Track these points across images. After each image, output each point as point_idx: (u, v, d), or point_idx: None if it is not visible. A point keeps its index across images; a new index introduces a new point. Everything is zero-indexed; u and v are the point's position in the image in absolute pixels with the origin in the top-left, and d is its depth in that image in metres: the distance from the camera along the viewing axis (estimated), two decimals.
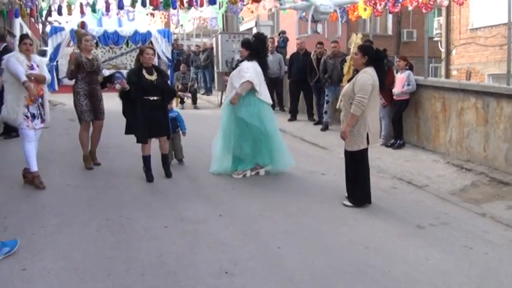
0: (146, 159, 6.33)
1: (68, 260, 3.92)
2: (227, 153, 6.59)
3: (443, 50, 15.99)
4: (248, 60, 6.45)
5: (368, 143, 5.20)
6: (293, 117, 11.63)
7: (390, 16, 21.16)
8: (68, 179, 6.33)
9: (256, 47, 6.54)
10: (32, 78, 5.61)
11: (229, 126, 6.48)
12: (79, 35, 6.76)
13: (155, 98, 6.19)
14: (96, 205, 5.31)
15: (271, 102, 6.79)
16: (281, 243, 4.29)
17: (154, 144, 6.43)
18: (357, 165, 5.29)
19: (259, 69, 6.43)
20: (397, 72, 8.46)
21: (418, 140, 8.42)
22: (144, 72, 6.16)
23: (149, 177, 6.29)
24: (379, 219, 4.95)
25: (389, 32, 22.88)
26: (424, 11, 9.18)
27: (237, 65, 6.73)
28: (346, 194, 5.46)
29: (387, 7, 10.37)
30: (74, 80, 6.67)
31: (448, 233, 4.69)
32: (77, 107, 6.62)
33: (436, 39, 17.72)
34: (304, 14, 11.34)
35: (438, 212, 5.23)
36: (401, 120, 8.43)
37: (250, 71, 6.29)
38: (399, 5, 9.90)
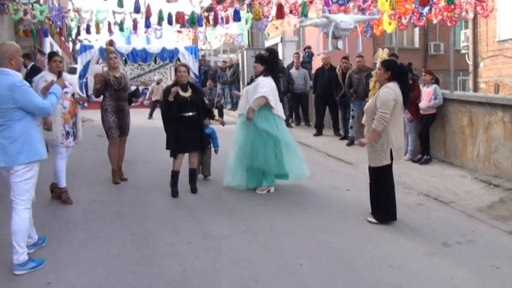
0: (174, 175, 6.42)
1: (92, 274, 3.99)
2: (241, 167, 6.63)
3: (470, 62, 15.75)
4: (264, 76, 6.50)
5: (392, 159, 5.13)
6: (319, 132, 11.60)
7: (417, 29, 20.96)
8: (94, 194, 6.46)
9: (271, 62, 6.63)
10: (73, 99, 5.81)
11: (246, 140, 6.51)
12: (106, 53, 6.96)
13: (190, 114, 6.30)
14: (121, 220, 5.39)
15: (284, 117, 6.82)
16: (303, 260, 4.27)
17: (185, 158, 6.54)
18: (380, 181, 5.24)
19: (274, 85, 6.48)
20: (423, 86, 8.36)
21: (445, 155, 8.28)
22: (178, 89, 6.28)
23: (174, 192, 6.38)
24: (404, 237, 4.87)
25: (417, 45, 22.65)
26: (448, 24, 9.09)
27: (252, 81, 6.76)
28: (371, 211, 5.40)
29: (412, 21, 10.31)
30: (101, 97, 6.83)
31: (475, 251, 4.58)
32: (105, 124, 6.79)
33: (463, 51, 17.47)
34: (325, 30, 11.37)
35: (465, 229, 5.11)
36: (428, 135, 8.31)
37: (266, 86, 6.34)
38: (424, 18, 9.83)
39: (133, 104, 7.13)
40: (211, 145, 7.25)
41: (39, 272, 4.01)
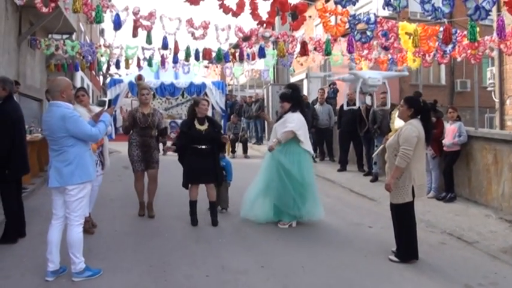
0: (192, 204, 6.61)
1: None
2: (261, 199, 6.65)
3: (497, 100, 15.57)
4: (292, 112, 6.60)
5: (414, 196, 5.08)
6: (343, 168, 11.56)
7: (443, 66, 20.87)
8: (116, 225, 6.54)
9: (296, 97, 6.76)
10: None
11: (269, 174, 6.59)
12: (138, 88, 7.03)
13: (203, 146, 6.45)
14: (141, 251, 5.42)
15: (312, 153, 6.89)
16: None
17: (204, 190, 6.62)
18: (402, 219, 5.17)
19: (303, 119, 6.59)
20: (447, 123, 8.30)
21: (470, 193, 8.14)
22: (195, 122, 6.49)
23: (193, 221, 6.53)
24: (425, 277, 4.77)
25: (443, 82, 22.52)
26: (473, 61, 9.08)
27: (281, 117, 6.85)
28: (394, 249, 5.31)
29: (436, 58, 10.33)
30: None
31: None
32: (129, 157, 6.91)
33: (489, 89, 17.30)
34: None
35: (488, 271, 4.97)
36: (452, 173, 8.21)
37: (295, 121, 6.45)
38: (447, 56, 9.84)
39: (162, 140, 7.16)
40: (225, 178, 7.31)
41: None
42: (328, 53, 11.36)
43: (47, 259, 4.50)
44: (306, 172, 6.52)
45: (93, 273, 4.57)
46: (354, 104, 11.08)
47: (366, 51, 12.76)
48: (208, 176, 6.54)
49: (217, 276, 4.69)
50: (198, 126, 6.49)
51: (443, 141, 8.10)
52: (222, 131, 7.22)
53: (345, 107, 10.83)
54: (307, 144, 6.59)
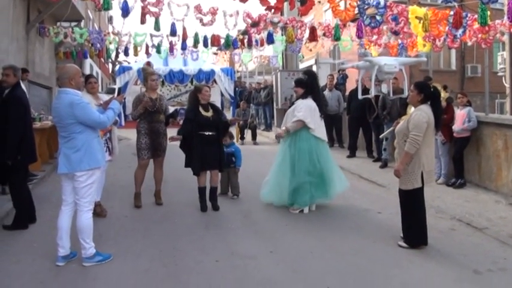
0: (201, 190, 6.65)
1: None
2: (278, 184, 6.66)
3: (507, 85, 15.41)
4: (303, 98, 6.59)
5: (423, 182, 5.06)
6: (352, 154, 11.53)
7: (454, 51, 20.65)
8: (126, 210, 6.59)
9: (310, 84, 6.72)
10: None
11: (282, 160, 6.65)
12: (146, 74, 6.91)
13: (210, 133, 6.49)
14: (151, 236, 5.47)
15: (326, 139, 6.85)
16: (330, 283, 4.22)
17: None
18: (411, 205, 5.15)
19: (314, 105, 6.57)
20: (457, 109, 8.22)
21: (480, 179, 8.08)
22: (200, 109, 6.50)
23: (203, 207, 6.59)
24: (434, 262, 4.76)
25: (453, 67, 22.31)
26: (483, 46, 8.97)
27: (293, 103, 6.88)
28: (402, 235, 5.31)
29: (446, 43, 10.22)
30: None
31: (506, 280, 4.43)
32: (136, 145, 6.78)
33: (500, 74, 17.14)
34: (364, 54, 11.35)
35: (497, 256, 4.95)
36: (462, 159, 8.14)
37: (303, 110, 6.45)
38: (458, 40, 9.73)
39: (169, 125, 7.13)
40: (234, 164, 7.34)
41: (69, 285, 4.13)
42: (337, 38, 11.29)
43: (57, 244, 4.56)
44: (320, 159, 6.54)
45: (104, 258, 4.62)
46: (364, 90, 11.04)
47: (375, 36, 12.67)
48: (215, 162, 6.60)
49: (227, 261, 4.71)
50: (204, 112, 6.51)
51: (453, 127, 8.03)
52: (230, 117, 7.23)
53: (360, 96, 10.71)
54: (318, 131, 6.57)
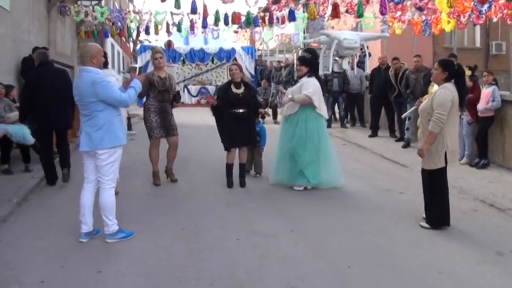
0: (229, 167, 6.74)
1: (141, 265, 4.12)
2: (281, 163, 6.75)
3: None
4: (308, 77, 6.62)
5: (446, 162, 4.98)
6: (374, 133, 11.43)
7: (478, 28, 20.12)
8: (148, 188, 6.67)
9: (314, 63, 6.82)
10: None
11: (283, 138, 6.75)
12: (151, 52, 6.90)
13: (240, 110, 6.56)
14: (173, 214, 5.52)
15: (327, 117, 6.97)
16: (351, 262, 4.21)
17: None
18: (434, 185, 5.08)
19: (318, 84, 6.62)
20: (482, 87, 8.03)
21: (504, 159, 7.92)
22: (232, 86, 6.59)
23: (229, 183, 6.71)
24: (456, 243, 4.71)
25: (478, 45, 21.76)
26: (509, 22, 8.71)
27: (296, 82, 6.91)
28: (424, 215, 5.26)
29: (471, 19, 9.95)
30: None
31: None
32: (147, 124, 6.73)
33: None
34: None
35: None
36: (486, 139, 7.96)
37: (312, 87, 6.48)
38: (483, 16, 9.46)
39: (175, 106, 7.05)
40: (259, 144, 7.37)
41: (91, 261, 4.19)
42: (360, 15, 11.11)
43: (80, 221, 4.63)
44: (322, 139, 6.61)
45: (126, 235, 4.68)
46: (387, 68, 10.87)
47: (399, 13, 12.41)
48: (245, 140, 6.68)
49: (248, 240, 4.74)
50: (234, 90, 6.58)
51: (477, 106, 7.86)
52: None
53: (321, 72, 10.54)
54: (322, 109, 6.64)
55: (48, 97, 6.50)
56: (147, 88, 6.52)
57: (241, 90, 6.60)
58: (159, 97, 6.66)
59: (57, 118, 6.66)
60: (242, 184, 6.75)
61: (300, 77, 6.79)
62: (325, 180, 6.61)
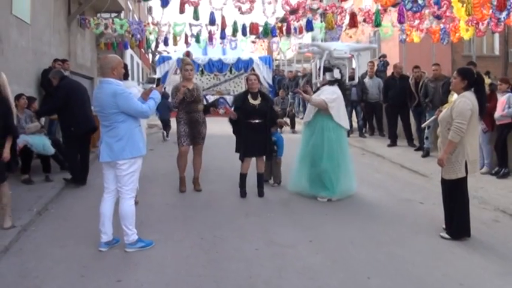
0: (242, 177, 6.75)
1: (161, 274, 4.15)
2: (300, 173, 6.75)
3: None
4: (329, 85, 6.67)
5: (467, 172, 4.92)
6: (393, 143, 11.33)
7: (497, 35, 19.86)
8: (167, 198, 6.71)
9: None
10: None
11: (304, 148, 6.74)
12: (182, 64, 7.02)
13: (256, 121, 6.56)
14: (191, 224, 5.54)
15: (348, 127, 6.93)
16: (371, 274, 4.18)
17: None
18: (454, 195, 5.02)
19: (339, 93, 6.63)
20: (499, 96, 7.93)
21: None
22: (249, 96, 6.61)
23: (242, 193, 6.71)
24: (477, 255, 4.64)
25: (497, 53, 21.46)
26: None
27: (318, 89, 6.94)
28: (444, 226, 5.20)
29: (490, 27, 9.86)
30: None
31: None
32: (177, 134, 6.94)
33: None
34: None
35: None
36: (505, 147, 7.81)
37: (330, 94, 6.52)
38: (502, 24, 9.36)
39: (209, 114, 7.15)
40: (276, 154, 7.37)
41: (111, 270, 4.23)
42: (378, 24, 11.08)
43: (100, 230, 4.68)
44: (340, 149, 6.57)
45: (146, 245, 4.71)
46: (402, 77, 10.79)
47: (417, 21, 12.36)
48: (260, 149, 6.68)
49: (266, 250, 4.73)
50: (251, 100, 6.61)
51: (494, 115, 7.75)
52: None
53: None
54: (340, 119, 6.59)
55: (80, 102, 7.22)
56: (182, 95, 6.66)
57: (258, 101, 6.62)
58: (187, 108, 6.79)
59: (91, 119, 7.29)
60: (260, 194, 6.75)
61: (323, 85, 6.82)
62: (340, 190, 6.57)
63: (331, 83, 6.67)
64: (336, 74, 6.78)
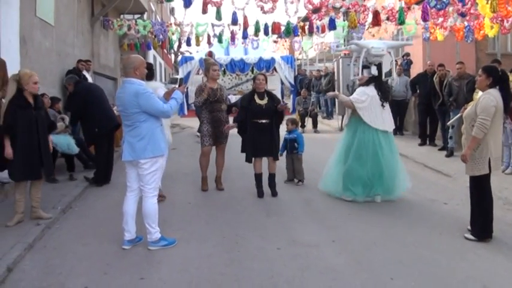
0: (257, 177, 6.78)
1: (183, 273, 4.18)
2: (338, 173, 6.62)
3: None
4: (365, 85, 6.55)
5: (490, 169, 4.84)
6: (423, 142, 11.14)
7: None
8: (189, 197, 6.76)
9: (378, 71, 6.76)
10: None
11: (346, 147, 6.57)
12: (208, 64, 7.06)
13: (263, 121, 6.55)
14: (214, 223, 5.57)
15: (385, 128, 6.56)
16: (394, 274, 4.14)
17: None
18: (478, 193, 4.94)
19: (373, 93, 6.45)
20: None
21: None
22: (255, 96, 6.59)
23: (259, 193, 6.71)
24: (501, 256, 4.56)
25: None
26: None
27: (354, 90, 6.90)
28: (469, 227, 5.11)
29: None
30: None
31: None
32: (200, 133, 7.06)
33: None
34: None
35: None
36: None
37: (360, 94, 6.43)
38: None
39: (232, 113, 7.19)
40: (297, 150, 7.36)
41: (134, 268, 4.28)
42: (401, 22, 10.97)
43: (123, 229, 4.74)
44: (382, 152, 6.37)
45: (169, 243, 4.75)
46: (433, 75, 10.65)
47: (441, 19, 12.19)
48: (268, 149, 6.65)
49: (289, 249, 4.72)
50: (258, 100, 6.59)
51: None
52: (291, 106, 7.29)
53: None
54: (372, 120, 6.38)
55: (98, 103, 7.41)
56: (207, 95, 6.72)
57: (264, 101, 6.59)
58: (210, 108, 6.87)
59: (112, 117, 7.50)
60: (274, 194, 6.75)
61: (360, 85, 6.75)
62: (392, 192, 6.48)
63: (367, 82, 6.56)
64: (374, 70, 6.74)
